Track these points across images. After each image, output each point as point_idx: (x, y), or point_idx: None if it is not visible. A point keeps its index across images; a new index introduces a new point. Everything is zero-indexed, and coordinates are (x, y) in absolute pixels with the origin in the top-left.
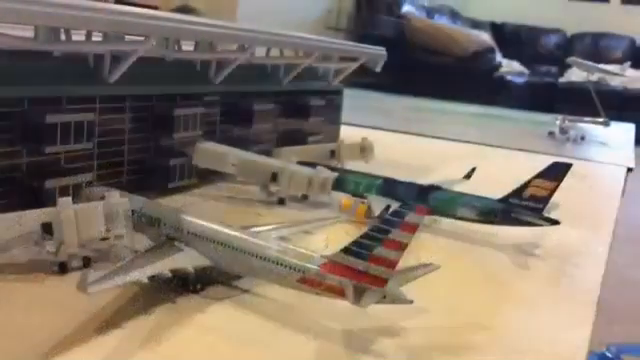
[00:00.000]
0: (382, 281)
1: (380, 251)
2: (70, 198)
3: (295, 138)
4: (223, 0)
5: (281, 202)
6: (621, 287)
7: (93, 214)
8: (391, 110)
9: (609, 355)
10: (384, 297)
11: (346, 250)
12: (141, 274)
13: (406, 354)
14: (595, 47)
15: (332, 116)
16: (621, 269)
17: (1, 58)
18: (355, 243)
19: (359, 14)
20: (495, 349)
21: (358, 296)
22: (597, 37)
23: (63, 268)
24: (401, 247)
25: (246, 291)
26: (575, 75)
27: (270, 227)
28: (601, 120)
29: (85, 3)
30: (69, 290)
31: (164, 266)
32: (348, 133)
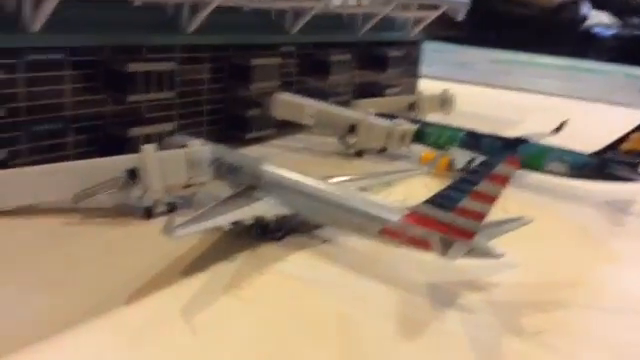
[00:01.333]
0: (470, 234)
1: (467, 203)
2: (154, 145)
3: (372, 90)
4: None
5: (359, 154)
6: None
7: (177, 161)
8: (472, 63)
9: None
10: (471, 250)
11: (430, 201)
12: (224, 220)
13: (495, 310)
14: None
15: (410, 68)
16: None
17: (83, 8)
18: (440, 194)
19: None
20: (588, 308)
21: (444, 248)
22: None
23: (148, 213)
24: (490, 200)
25: (326, 241)
26: None
27: (349, 178)
28: None
29: None
30: (154, 234)
31: (246, 213)
32: (427, 86)
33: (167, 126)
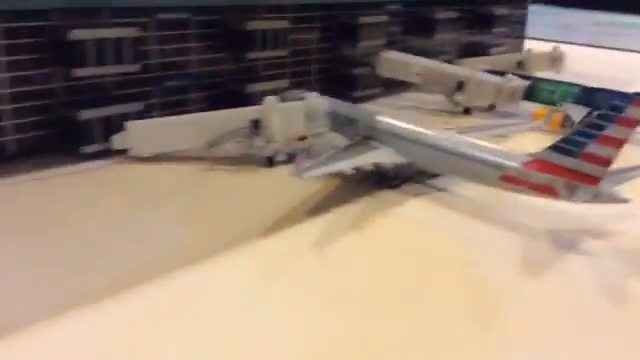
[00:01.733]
0: (595, 179)
1: (593, 148)
2: (275, 98)
3: (477, 50)
4: None
5: (467, 112)
6: None
7: (296, 112)
8: (576, 25)
9: None
10: (597, 195)
11: (554, 148)
12: (346, 165)
13: (617, 255)
14: None
15: (516, 27)
16: None
17: None
18: (564, 140)
19: None
20: None
21: (569, 193)
22: None
23: (270, 161)
24: (618, 144)
25: (443, 189)
26: None
27: (460, 131)
28: None
29: None
30: (278, 180)
31: (366, 159)
32: (533, 47)
33: (281, 83)
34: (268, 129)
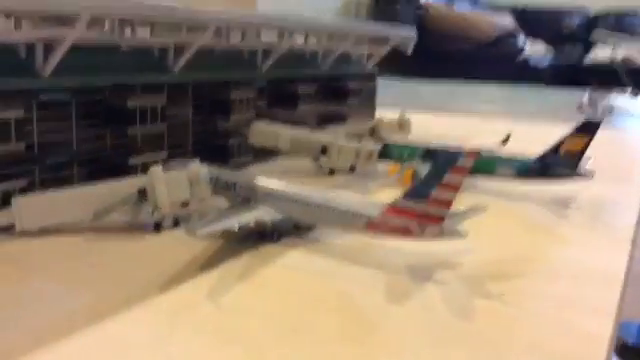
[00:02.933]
0: (440, 219)
1: (436, 193)
2: (160, 167)
3: (335, 119)
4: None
5: (332, 173)
6: None
7: (180, 179)
8: (418, 94)
9: None
10: (442, 233)
11: (406, 195)
12: (232, 222)
13: (464, 281)
14: (619, 25)
15: (368, 98)
16: None
17: (85, 55)
18: (414, 189)
19: (378, 5)
20: (540, 276)
21: (421, 232)
22: (620, 16)
23: (158, 227)
24: (455, 189)
25: (317, 240)
26: (600, 54)
27: (328, 190)
28: (629, 92)
29: (149, 2)
30: (167, 243)
31: (248, 217)
32: (384, 114)
33: (160, 155)
34: (154, 197)
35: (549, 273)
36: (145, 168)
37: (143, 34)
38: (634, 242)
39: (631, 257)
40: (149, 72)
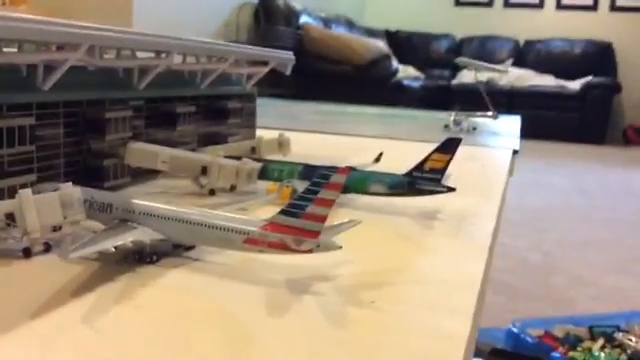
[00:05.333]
0: (316, 234)
1: (311, 209)
2: (30, 190)
3: (216, 138)
4: (117, 18)
5: (212, 193)
6: (522, 269)
7: (51, 202)
8: (298, 114)
9: (515, 330)
10: (318, 246)
11: (283, 212)
12: (109, 244)
13: (339, 292)
14: (482, 49)
15: (248, 118)
16: (521, 252)
17: None
18: (290, 205)
19: (258, 27)
20: (409, 284)
21: (298, 247)
22: (483, 40)
23: (27, 253)
24: (329, 204)
25: (197, 259)
26: (466, 77)
27: (208, 210)
28: (490, 114)
29: (17, 15)
30: (38, 269)
31: (126, 238)
32: (263, 134)
33: (29, 177)
34: (23, 221)
35: (416, 280)
36: (12, 192)
37: (9, 51)
38: (491, 249)
39: (488, 263)
40: (16, 91)
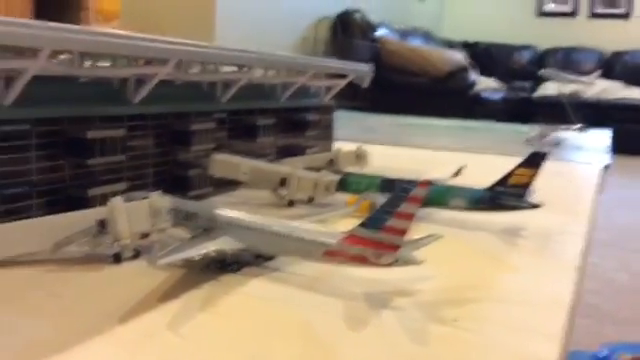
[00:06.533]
0: (396, 247)
1: (392, 222)
2: (121, 197)
3: (294, 150)
4: (200, 32)
5: (291, 204)
6: (610, 290)
7: (141, 210)
8: (375, 127)
9: (603, 355)
10: (398, 260)
11: (363, 224)
12: (194, 252)
13: (420, 307)
14: (566, 61)
15: (326, 130)
16: (608, 273)
17: (44, 86)
18: (370, 218)
19: (335, 40)
20: (493, 302)
21: (377, 259)
22: (567, 51)
23: (118, 258)
24: (410, 217)
25: (277, 270)
26: (549, 89)
27: (288, 221)
28: (577, 127)
29: (111, 31)
30: (126, 274)
31: (210, 247)
32: (340, 147)
33: (120, 186)
34: (114, 228)
35: (500, 299)
36: (104, 200)
37: (103, 65)
38: (580, 269)
39: (577, 284)
40: (109, 104)
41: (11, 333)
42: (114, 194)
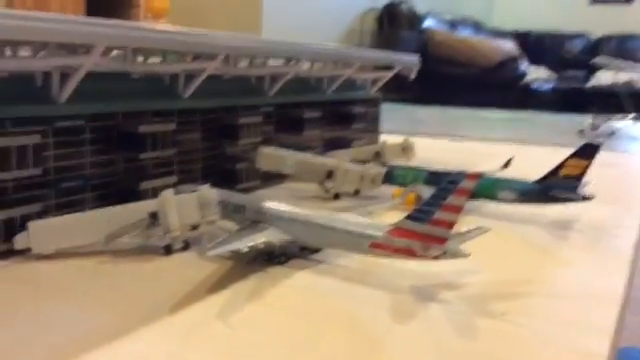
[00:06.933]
0: (443, 240)
1: (439, 215)
2: (171, 190)
3: (340, 143)
4: (247, 28)
5: (337, 197)
6: None
7: (190, 203)
8: (422, 119)
9: None
10: (445, 253)
11: (410, 217)
12: (242, 244)
13: (467, 301)
14: (621, 49)
15: (372, 123)
16: None
17: (98, 82)
18: (417, 210)
19: (381, 32)
20: (542, 296)
21: (424, 252)
22: (622, 39)
23: (168, 250)
24: (457, 210)
25: (323, 262)
26: (603, 78)
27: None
28: (631, 116)
29: (162, 27)
30: (177, 265)
31: (257, 239)
32: (387, 139)
33: (170, 179)
34: (165, 220)
35: (550, 293)
36: (155, 193)
37: (154, 61)
38: (633, 263)
39: (630, 278)
40: (160, 98)
41: (69, 321)
42: (164, 187)
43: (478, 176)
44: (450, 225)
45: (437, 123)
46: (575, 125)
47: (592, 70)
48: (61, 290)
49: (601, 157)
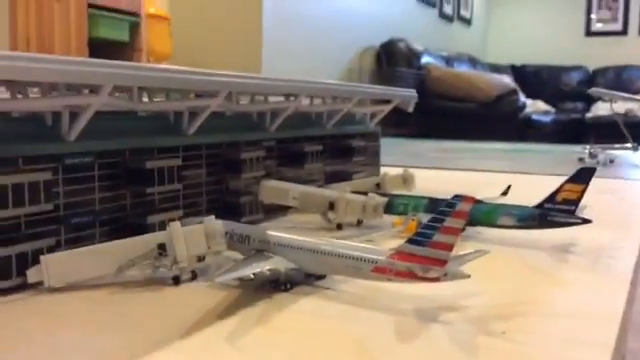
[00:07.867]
0: (443, 262)
1: (438, 237)
2: (179, 222)
3: (341, 176)
4: (247, 64)
5: (339, 227)
6: None
7: (197, 234)
8: (421, 152)
9: None
10: (445, 275)
11: (409, 241)
12: (248, 271)
13: (468, 322)
14: (618, 80)
15: (372, 156)
16: None
17: (106, 120)
18: (417, 234)
19: (380, 70)
20: (542, 316)
21: (425, 274)
22: (619, 70)
23: (176, 280)
24: (456, 232)
25: (328, 288)
26: (602, 109)
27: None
28: (630, 145)
29: (165, 67)
30: (186, 295)
31: (263, 267)
32: (388, 172)
33: (176, 213)
34: (173, 251)
35: (549, 312)
36: (163, 226)
37: (159, 100)
38: (633, 284)
39: (630, 297)
40: (166, 135)
41: (83, 346)
42: (171, 221)
43: (473, 199)
44: (449, 247)
45: (436, 156)
46: (574, 154)
47: (591, 101)
48: (73, 319)
49: (600, 183)
